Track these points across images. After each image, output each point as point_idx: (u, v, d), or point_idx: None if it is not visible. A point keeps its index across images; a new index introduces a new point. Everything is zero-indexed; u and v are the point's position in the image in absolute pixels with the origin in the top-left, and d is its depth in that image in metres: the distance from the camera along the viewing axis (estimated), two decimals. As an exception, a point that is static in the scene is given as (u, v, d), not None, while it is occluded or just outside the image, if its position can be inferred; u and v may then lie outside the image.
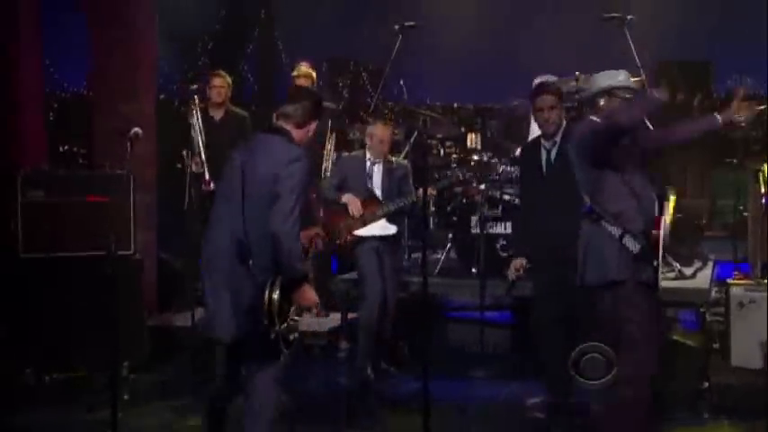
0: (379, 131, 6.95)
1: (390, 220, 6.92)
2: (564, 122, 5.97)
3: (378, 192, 6.96)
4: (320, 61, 9.97)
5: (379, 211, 6.90)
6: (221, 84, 7.94)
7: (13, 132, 6.73)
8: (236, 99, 8.49)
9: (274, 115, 4.83)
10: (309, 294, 4.75)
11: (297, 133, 4.76)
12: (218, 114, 7.95)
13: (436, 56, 11.18)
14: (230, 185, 4.70)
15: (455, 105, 11.21)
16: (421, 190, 6.72)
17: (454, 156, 10.01)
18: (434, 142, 8.63)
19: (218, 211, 4.77)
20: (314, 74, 8.15)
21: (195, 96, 7.67)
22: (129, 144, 5.20)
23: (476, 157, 7.82)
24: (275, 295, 4.58)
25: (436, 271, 7.52)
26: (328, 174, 7.63)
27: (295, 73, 8.07)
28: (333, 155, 7.82)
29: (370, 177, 7.00)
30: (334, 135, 7.89)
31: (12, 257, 6.51)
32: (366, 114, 10.46)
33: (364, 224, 6.88)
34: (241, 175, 4.63)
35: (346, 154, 7.44)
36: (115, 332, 5.35)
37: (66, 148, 10.74)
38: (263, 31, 11.93)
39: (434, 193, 7.36)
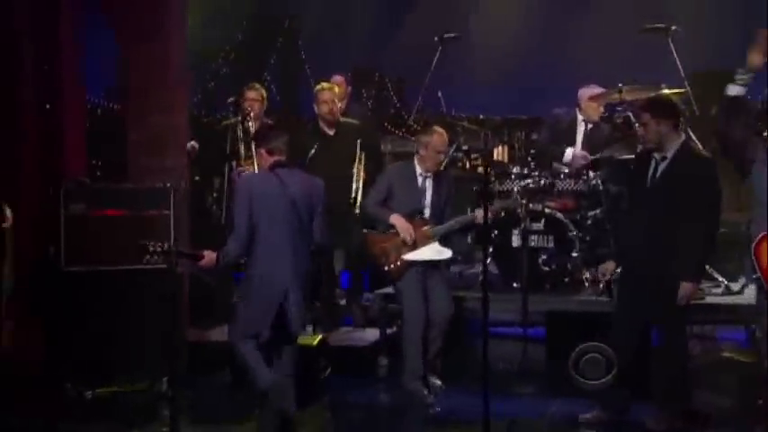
0: (436, 140, 6.79)
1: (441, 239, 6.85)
2: (681, 137, 5.99)
3: (427, 211, 6.87)
4: (345, 72, 10.05)
5: (430, 233, 6.80)
6: (255, 97, 7.98)
7: (56, 145, 6.85)
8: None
9: (265, 151, 5.94)
10: None
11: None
12: (253, 128, 7.92)
13: (462, 66, 11.31)
14: (286, 213, 5.82)
15: (481, 117, 11.26)
16: (479, 212, 6.81)
17: (481, 168, 10.19)
18: (460, 155, 8.70)
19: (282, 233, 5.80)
20: (337, 88, 7.99)
21: (240, 114, 7.79)
22: (187, 158, 5.35)
23: (515, 170, 7.93)
24: None
25: (477, 285, 7.65)
26: (358, 195, 7.45)
27: (318, 87, 7.97)
28: (362, 175, 7.54)
29: (423, 194, 6.87)
30: (363, 154, 7.63)
31: (54, 271, 6.65)
32: (391, 126, 10.61)
33: (415, 248, 6.79)
34: (292, 204, 5.82)
35: (393, 164, 7.26)
36: (171, 345, 5.55)
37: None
38: (286, 41, 12.06)
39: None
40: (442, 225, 6.89)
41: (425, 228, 6.84)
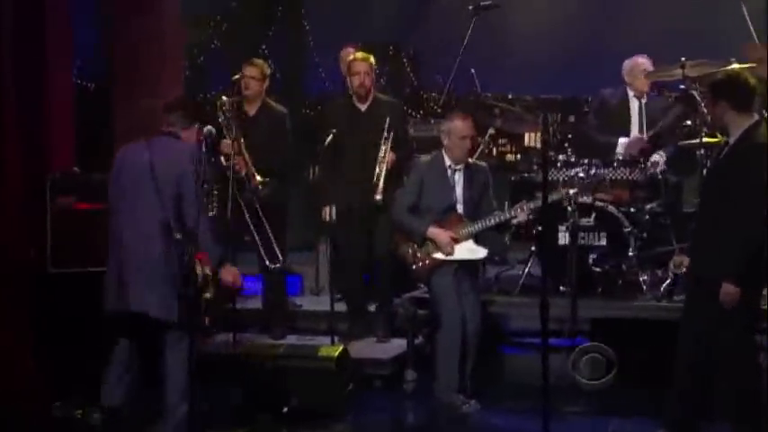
0: (458, 127, 6.89)
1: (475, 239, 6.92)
2: (749, 120, 5.87)
3: (460, 206, 6.95)
4: (354, 45, 10.06)
5: (464, 231, 6.90)
6: (252, 73, 8.00)
7: (41, 133, 6.86)
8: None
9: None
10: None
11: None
12: (251, 109, 8.04)
13: (486, 39, 11.30)
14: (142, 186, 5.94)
15: (509, 96, 11.26)
16: (518, 209, 6.88)
17: (510, 155, 10.21)
18: (487, 139, 8.73)
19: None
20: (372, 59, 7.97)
21: (224, 95, 7.83)
22: (204, 145, 5.35)
23: (561, 157, 7.95)
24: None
25: (517, 289, 7.76)
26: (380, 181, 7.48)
27: (351, 57, 8.01)
28: (390, 155, 7.57)
29: (453, 188, 6.97)
30: (391, 135, 7.64)
31: (40, 273, 6.67)
32: (409, 108, 10.59)
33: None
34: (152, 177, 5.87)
35: (421, 157, 7.28)
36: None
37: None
38: (287, 9, 12.05)
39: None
40: (476, 222, 6.94)
41: (460, 225, 6.92)
